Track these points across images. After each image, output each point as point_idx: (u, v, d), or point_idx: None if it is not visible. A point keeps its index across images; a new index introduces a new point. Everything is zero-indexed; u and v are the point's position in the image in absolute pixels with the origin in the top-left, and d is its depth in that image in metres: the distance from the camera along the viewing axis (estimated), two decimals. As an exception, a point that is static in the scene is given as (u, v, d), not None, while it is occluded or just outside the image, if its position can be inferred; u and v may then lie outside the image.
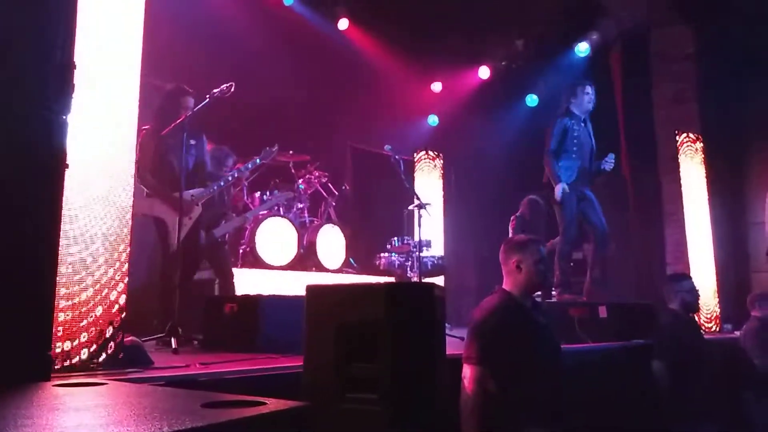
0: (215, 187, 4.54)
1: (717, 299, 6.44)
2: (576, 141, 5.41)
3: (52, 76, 2.16)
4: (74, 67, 2.23)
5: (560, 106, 5.62)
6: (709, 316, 6.28)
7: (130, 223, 2.80)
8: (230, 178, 4.63)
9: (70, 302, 2.49)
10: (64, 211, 2.26)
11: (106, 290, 2.64)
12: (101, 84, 2.75)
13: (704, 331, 5.73)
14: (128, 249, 2.77)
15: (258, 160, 4.75)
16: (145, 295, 4.50)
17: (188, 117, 4.17)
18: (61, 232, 2.22)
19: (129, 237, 2.78)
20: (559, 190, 5.29)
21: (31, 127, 2.08)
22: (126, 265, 2.75)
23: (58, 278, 2.24)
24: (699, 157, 6.82)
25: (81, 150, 2.57)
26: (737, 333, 5.54)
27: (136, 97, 2.91)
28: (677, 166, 6.69)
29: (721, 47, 7.27)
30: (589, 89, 5.52)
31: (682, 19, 7.37)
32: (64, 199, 2.19)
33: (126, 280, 2.74)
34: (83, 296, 2.55)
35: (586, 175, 5.43)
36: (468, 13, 7.50)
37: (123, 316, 2.70)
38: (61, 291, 2.43)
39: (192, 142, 4.41)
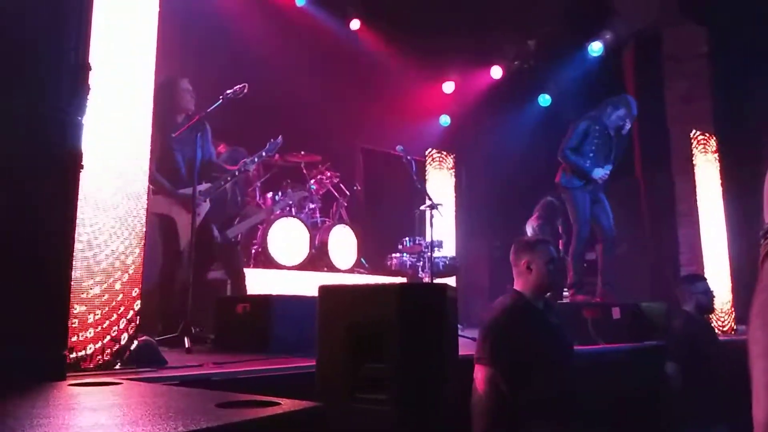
0: (222, 183, 4.52)
1: (731, 300, 6.39)
2: (594, 147, 5.38)
3: (67, 78, 2.18)
4: (89, 68, 2.25)
5: (598, 107, 5.58)
6: (723, 317, 6.23)
7: (145, 222, 2.82)
8: (237, 173, 4.60)
9: (85, 302, 2.52)
10: (79, 213, 2.28)
11: (121, 291, 2.66)
12: (116, 88, 2.77)
13: (719, 332, 5.68)
14: (143, 249, 2.79)
15: (264, 153, 4.72)
16: (156, 294, 4.52)
17: (202, 115, 4.17)
18: (76, 233, 2.24)
19: (144, 236, 2.80)
20: (598, 173, 5.30)
21: (47, 128, 2.10)
22: (141, 266, 2.77)
23: (73, 278, 2.26)
24: (713, 156, 6.77)
25: (96, 150, 2.59)
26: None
27: (150, 102, 2.93)
28: (691, 165, 6.64)
29: (734, 45, 7.22)
30: (628, 123, 5.47)
31: (694, 18, 7.33)
32: (79, 200, 2.21)
33: (140, 280, 2.77)
34: (98, 296, 2.57)
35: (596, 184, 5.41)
36: (480, 13, 7.48)
37: (138, 316, 2.72)
38: (77, 291, 2.45)
39: (198, 134, 4.28)
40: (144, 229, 2.82)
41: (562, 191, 5.53)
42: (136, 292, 2.73)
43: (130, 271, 2.72)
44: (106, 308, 2.59)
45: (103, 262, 2.61)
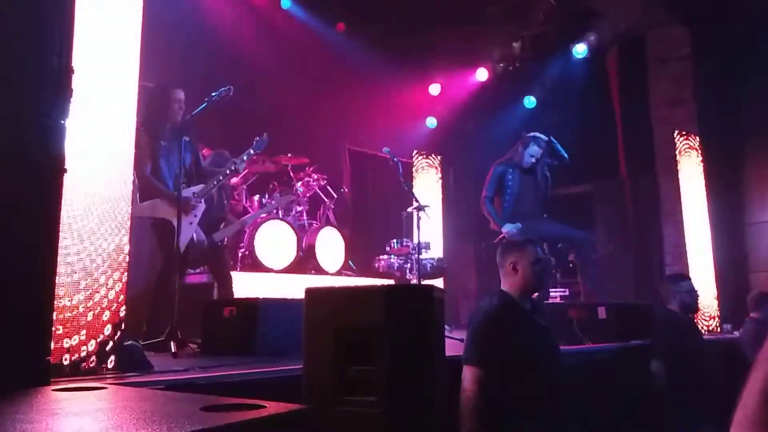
0: (215, 182, 4.50)
1: (716, 299, 6.44)
2: (509, 190, 5.43)
3: (50, 81, 2.17)
4: (72, 71, 2.24)
5: (510, 151, 5.65)
6: (708, 316, 6.29)
7: (129, 227, 2.80)
8: (227, 172, 4.57)
9: (70, 307, 2.50)
10: (64, 217, 2.26)
11: (106, 296, 2.64)
12: (100, 90, 2.76)
13: (704, 331, 5.73)
14: (128, 254, 2.78)
15: (251, 151, 4.70)
16: (144, 299, 4.49)
17: (187, 119, 4.16)
18: (61, 238, 2.22)
19: (129, 242, 2.79)
20: (507, 228, 5.27)
21: (30, 132, 2.09)
22: (126, 270, 2.76)
23: (57, 283, 2.25)
24: (697, 157, 6.84)
25: (81, 156, 2.58)
26: (737, 333, 5.54)
27: (134, 103, 2.92)
28: (675, 166, 6.70)
29: (717, 47, 7.30)
30: (534, 150, 5.49)
31: (678, 19, 7.39)
32: (63, 204, 2.19)
33: (125, 284, 2.75)
34: (83, 300, 2.55)
35: (527, 218, 5.39)
36: (465, 16, 7.52)
37: (123, 320, 2.71)
38: (61, 296, 2.43)
39: (186, 139, 4.26)
40: (128, 234, 2.80)
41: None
42: (121, 297, 2.71)
43: (116, 275, 2.71)
44: (91, 313, 2.57)
45: (88, 267, 2.60)
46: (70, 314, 2.50)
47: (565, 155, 5.56)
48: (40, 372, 2.00)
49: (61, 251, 2.31)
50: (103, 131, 2.76)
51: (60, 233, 2.21)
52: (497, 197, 5.49)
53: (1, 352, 1.91)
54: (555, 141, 5.57)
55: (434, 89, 8.97)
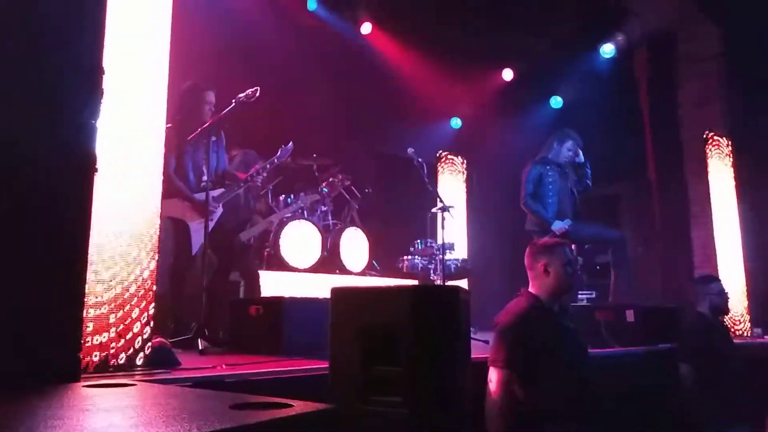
0: (236, 189, 4.54)
1: (746, 303, 6.32)
2: (551, 191, 5.38)
3: (80, 82, 2.20)
4: (103, 72, 2.26)
5: (542, 149, 5.60)
6: (738, 319, 6.17)
7: (158, 226, 2.83)
8: (249, 179, 4.61)
9: (100, 304, 2.53)
10: (94, 215, 2.29)
11: (135, 294, 2.67)
12: (130, 91, 2.79)
13: (733, 335, 5.63)
14: (157, 252, 2.80)
15: (275, 159, 4.74)
16: (169, 297, 4.54)
17: (215, 120, 4.20)
18: (91, 236, 2.25)
19: (158, 241, 2.82)
20: (557, 226, 5.23)
21: (61, 131, 2.11)
22: (155, 269, 2.79)
23: (88, 280, 2.28)
24: (727, 158, 6.72)
25: (113, 153, 2.62)
26: (767, 337, 5.44)
27: (164, 109, 2.95)
28: (705, 167, 6.60)
29: (748, 46, 7.16)
30: (570, 144, 5.47)
31: (708, 18, 7.27)
32: (94, 202, 2.22)
33: (155, 283, 2.78)
34: (113, 298, 2.58)
35: (566, 218, 5.36)
36: (491, 15, 7.47)
37: (152, 318, 2.74)
38: (92, 294, 2.46)
39: (213, 138, 4.35)
40: (158, 233, 2.83)
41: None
42: (150, 294, 2.74)
43: (145, 275, 2.73)
44: (121, 311, 2.60)
45: (117, 265, 2.63)
46: (99, 311, 2.53)
47: (589, 182, 5.52)
48: (70, 368, 2.03)
49: (92, 249, 2.34)
50: (132, 134, 2.79)
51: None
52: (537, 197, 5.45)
53: (33, 348, 1.94)
54: (589, 167, 5.52)
55: (459, 89, 8.89)
